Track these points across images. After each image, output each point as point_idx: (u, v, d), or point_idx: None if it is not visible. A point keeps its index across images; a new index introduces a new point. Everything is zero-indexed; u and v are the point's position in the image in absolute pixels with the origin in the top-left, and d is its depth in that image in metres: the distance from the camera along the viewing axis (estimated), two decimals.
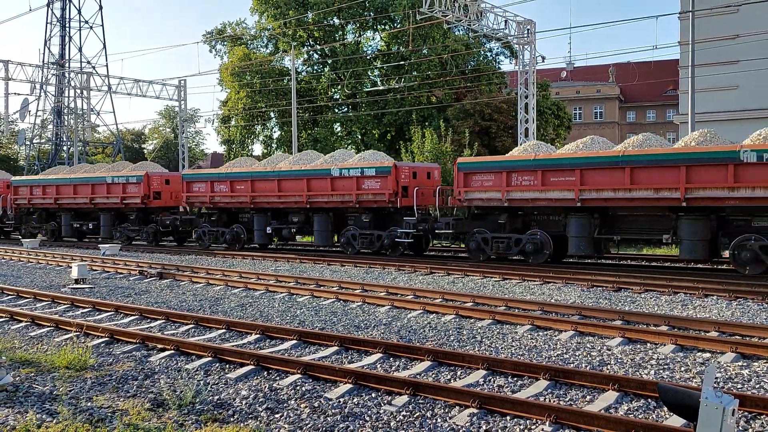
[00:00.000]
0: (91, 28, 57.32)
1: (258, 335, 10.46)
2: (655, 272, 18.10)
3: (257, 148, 54.54)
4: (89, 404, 7.21)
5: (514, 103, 38.18)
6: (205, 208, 28.98)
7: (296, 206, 25.46)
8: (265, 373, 8.39)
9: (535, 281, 16.68)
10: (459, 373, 8.26)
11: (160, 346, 9.77)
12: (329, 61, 49.18)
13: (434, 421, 6.58)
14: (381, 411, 6.89)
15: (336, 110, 50.14)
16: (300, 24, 47.52)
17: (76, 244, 32.69)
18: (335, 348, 9.51)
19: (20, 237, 35.71)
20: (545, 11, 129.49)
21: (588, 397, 7.26)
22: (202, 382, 7.96)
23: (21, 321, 12.07)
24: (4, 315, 12.47)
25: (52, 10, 56.30)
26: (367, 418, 6.68)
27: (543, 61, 34.01)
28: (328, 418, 6.70)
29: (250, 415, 6.84)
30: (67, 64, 55.16)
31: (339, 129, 50.23)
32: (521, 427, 6.34)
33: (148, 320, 12.09)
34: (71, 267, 17.86)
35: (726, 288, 14.42)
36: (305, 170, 25.09)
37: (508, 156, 21.67)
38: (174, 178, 30.95)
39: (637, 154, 18.27)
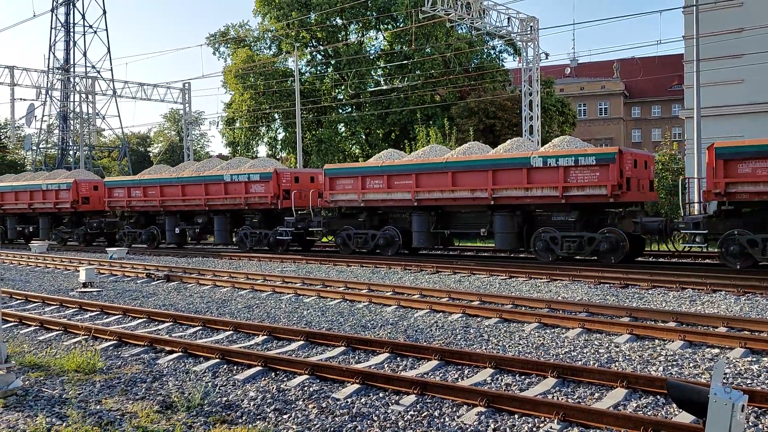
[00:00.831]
0: (95, 32, 57.48)
1: (265, 336, 10.47)
2: (663, 268, 18.05)
3: (262, 150, 54.66)
4: (98, 407, 7.23)
5: (518, 100, 38.14)
6: (126, 212, 32.51)
7: (198, 209, 28.82)
8: (273, 374, 8.40)
9: (541, 279, 16.66)
10: (466, 372, 8.26)
11: (168, 348, 9.79)
12: (332, 62, 49.20)
13: (442, 420, 6.57)
14: (389, 411, 6.89)
15: (340, 111, 50.16)
16: (303, 25, 47.55)
17: (83, 248, 32.87)
18: (342, 348, 9.51)
19: None
20: (548, 8, 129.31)
21: (596, 394, 7.25)
22: (210, 384, 7.97)
23: (30, 325, 12.11)
24: (13, 319, 12.52)
25: (56, 15, 56.50)
26: (375, 418, 6.68)
27: (546, 58, 34.08)
28: (336, 419, 6.70)
29: (259, 416, 6.85)
30: (72, 69, 55.32)
31: (343, 129, 50.27)
32: (529, 425, 6.33)
33: (156, 323, 12.12)
34: (79, 271, 17.92)
35: (734, 283, 14.37)
36: (203, 176, 28.48)
37: (362, 163, 25.95)
38: (101, 185, 33.73)
39: (456, 161, 21.70)
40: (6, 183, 37.83)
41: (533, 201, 20.18)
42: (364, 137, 49.40)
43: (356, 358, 9.14)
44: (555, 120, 44.34)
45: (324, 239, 28.64)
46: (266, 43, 52.91)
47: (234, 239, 28.18)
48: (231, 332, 10.97)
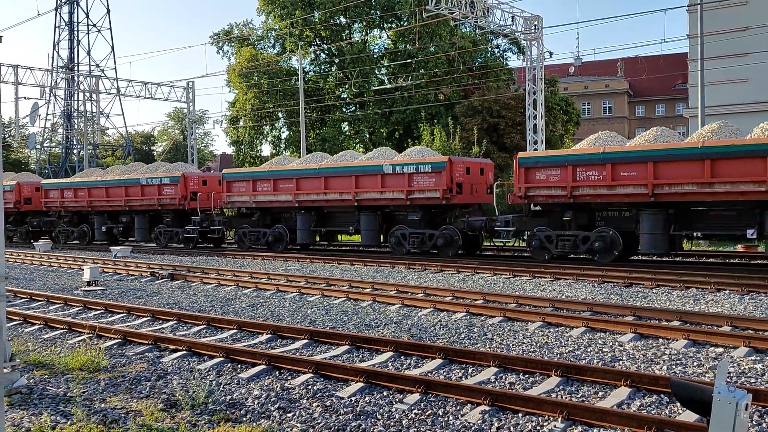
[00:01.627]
0: (99, 31, 57.59)
1: (269, 335, 10.49)
2: (667, 267, 18.03)
3: (266, 149, 54.68)
4: (103, 405, 7.25)
5: (522, 99, 38.09)
6: (61, 212, 35.33)
7: (120, 209, 32.29)
8: (277, 372, 8.41)
9: (545, 278, 16.65)
10: (470, 370, 8.26)
11: (172, 347, 9.81)
12: (336, 61, 49.21)
13: (446, 419, 6.58)
14: (393, 409, 6.90)
15: (344, 109, 50.16)
16: (307, 24, 47.55)
17: (87, 246, 32.96)
18: (346, 347, 9.52)
19: None
20: (552, 6, 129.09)
21: (600, 393, 7.25)
22: (214, 383, 7.99)
23: (34, 324, 12.15)
24: (17, 318, 12.55)
25: (60, 14, 56.60)
26: (379, 417, 6.69)
27: (551, 57, 33.95)
28: (340, 417, 6.71)
29: (263, 415, 6.86)
30: (76, 68, 55.41)
31: (347, 128, 50.27)
32: (533, 423, 6.33)
33: (160, 321, 12.14)
34: (83, 269, 17.96)
35: (738, 282, 14.36)
36: (123, 180, 32.05)
37: (254, 168, 30.04)
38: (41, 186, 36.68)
39: (328, 167, 25.00)
40: None
41: (387, 202, 23.50)
42: (367, 136, 49.39)
43: (360, 356, 9.15)
44: (559, 119, 44.28)
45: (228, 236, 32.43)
46: (270, 42, 52.94)
47: (152, 236, 31.46)
48: (235, 331, 10.98)
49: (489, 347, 9.54)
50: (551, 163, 19.96)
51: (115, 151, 65.09)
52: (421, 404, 6.99)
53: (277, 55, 50.83)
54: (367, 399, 7.25)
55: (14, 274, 20.74)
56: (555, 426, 6.22)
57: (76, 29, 56.72)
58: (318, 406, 7.08)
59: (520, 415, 6.57)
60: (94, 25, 57.36)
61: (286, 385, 7.86)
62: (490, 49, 49.77)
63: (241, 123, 52.04)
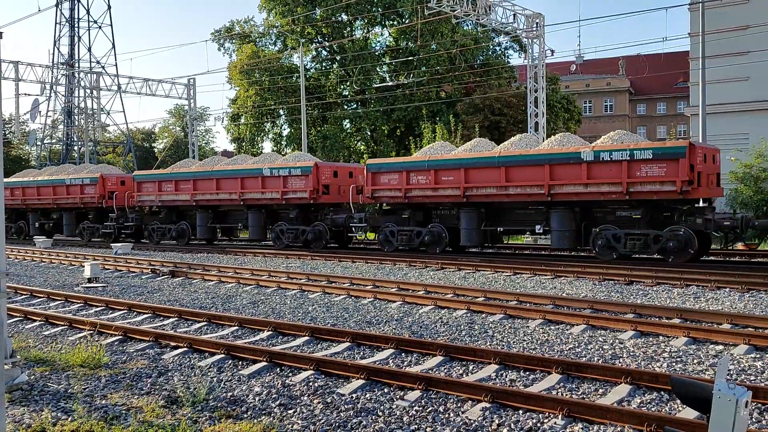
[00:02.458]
0: (99, 27, 57.48)
1: (270, 332, 10.50)
2: (667, 265, 18.03)
3: (267, 146, 54.64)
4: (104, 402, 7.26)
5: (523, 97, 38.08)
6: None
7: (50, 207, 35.26)
8: (278, 369, 8.42)
9: (546, 275, 16.66)
10: (471, 367, 8.27)
11: (173, 343, 9.82)
12: (338, 58, 49.18)
13: (447, 415, 6.59)
14: (393, 406, 6.90)
15: (345, 107, 50.14)
16: (308, 21, 47.52)
17: (88, 243, 32.98)
18: (347, 344, 9.53)
19: None
20: (554, 4, 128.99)
21: (600, 390, 7.25)
22: (215, 379, 8.00)
23: (35, 320, 12.15)
24: (18, 314, 12.56)
25: (60, 10, 56.51)
26: (380, 414, 6.70)
27: (552, 55, 33.95)
28: (341, 414, 6.72)
29: (264, 412, 6.87)
30: (76, 64, 55.37)
31: (348, 126, 50.25)
32: (534, 421, 6.34)
33: (161, 318, 12.16)
34: (84, 266, 17.97)
35: (739, 280, 14.36)
36: (51, 180, 34.96)
37: (158, 171, 33.26)
38: None
39: (221, 170, 28.08)
40: None
41: (267, 202, 26.72)
42: (369, 133, 49.39)
43: (361, 353, 9.16)
44: (560, 117, 44.26)
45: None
46: (271, 39, 52.93)
47: (76, 231, 34.75)
48: (236, 328, 10.99)
49: (490, 344, 9.55)
50: (391, 168, 23.28)
51: (115, 148, 65.07)
52: (422, 401, 7.00)
53: (279, 53, 50.80)
54: (367, 396, 7.26)
55: (14, 271, 20.75)
56: (555, 423, 6.23)
57: (76, 25, 56.63)
58: (319, 402, 7.09)
59: (520, 412, 6.58)
60: (95, 22, 57.27)
61: (287, 382, 7.87)
62: (491, 46, 49.74)
63: (243, 120, 52.03)
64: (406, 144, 41.58)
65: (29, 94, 54.37)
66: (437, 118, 42.45)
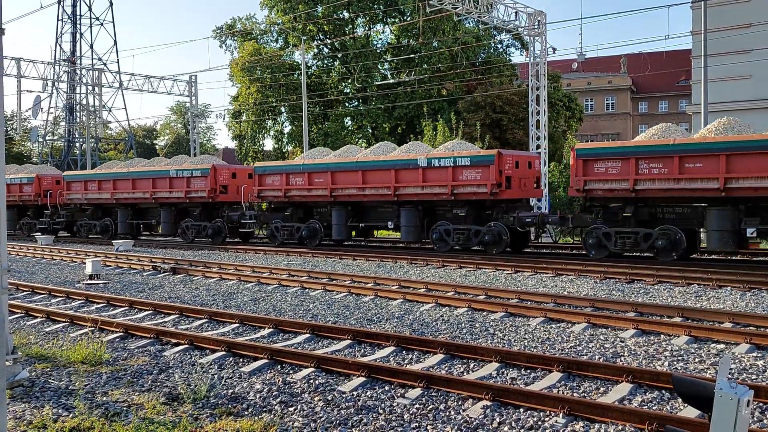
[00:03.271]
0: (101, 24, 57.39)
1: (271, 329, 10.50)
2: (669, 264, 18.02)
3: (268, 143, 54.68)
4: (105, 399, 7.26)
5: (525, 95, 38.03)
6: None
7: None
8: (279, 366, 8.42)
9: (547, 273, 16.65)
10: (472, 365, 8.27)
11: (174, 340, 9.82)
12: (339, 55, 49.14)
13: (447, 413, 6.58)
14: (394, 404, 6.90)
15: (346, 104, 50.11)
16: (310, 18, 47.48)
17: (90, 240, 33.00)
18: (348, 341, 9.53)
19: None
20: (555, 2, 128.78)
21: (602, 388, 7.25)
22: (216, 376, 8.00)
23: (36, 317, 12.17)
24: (19, 311, 12.57)
25: (62, 7, 56.40)
26: (381, 411, 6.70)
27: (554, 53, 33.86)
28: (342, 411, 6.72)
29: (264, 409, 6.87)
30: (78, 61, 55.34)
31: (350, 123, 50.22)
32: (535, 419, 6.34)
33: (162, 315, 12.16)
34: (85, 263, 17.98)
35: (740, 279, 14.34)
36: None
37: (85, 171, 36.50)
38: None
39: (136, 171, 31.00)
40: None
41: (175, 200, 29.73)
42: (370, 131, 49.36)
43: (362, 351, 9.16)
44: (562, 115, 44.22)
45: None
46: (273, 36, 52.87)
47: (17, 227, 37.55)
48: (237, 325, 10.99)
49: (491, 343, 9.54)
50: (275, 171, 26.48)
51: (117, 145, 65.08)
52: (423, 399, 6.99)
53: (280, 50, 50.77)
54: (368, 393, 7.26)
55: (16, 267, 20.76)
56: (556, 421, 6.22)
57: (78, 22, 56.56)
58: (320, 400, 7.09)
59: (521, 410, 6.57)
60: (97, 18, 57.17)
61: (287, 379, 7.87)
62: (493, 44, 49.70)
63: (244, 117, 52.02)
64: (407, 142, 41.54)
65: (31, 91, 54.37)
66: (439, 116, 42.42)
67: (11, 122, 57.92)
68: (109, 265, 20.50)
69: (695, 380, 5.28)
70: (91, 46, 56.73)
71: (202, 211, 29.28)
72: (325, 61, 51.00)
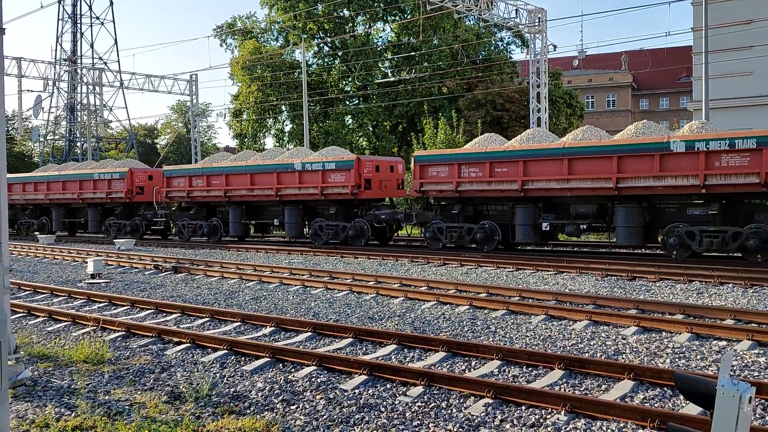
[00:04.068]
0: (102, 24, 57.46)
1: (273, 328, 10.51)
2: (670, 261, 18.01)
3: (269, 142, 54.66)
4: (107, 398, 7.27)
5: (525, 92, 38.02)
6: None
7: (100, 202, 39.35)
8: (281, 365, 8.42)
9: (549, 271, 16.64)
10: (473, 363, 8.27)
11: (176, 339, 9.83)
12: (340, 53, 49.13)
13: (449, 411, 6.59)
14: (396, 402, 6.91)
15: (347, 102, 50.08)
16: (310, 16, 47.46)
17: (92, 239, 33.04)
18: (350, 340, 9.53)
19: None
20: None
21: (603, 386, 7.25)
22: (218, 375, 8.01)
23: (38, 316, 12.18)
24: (21, 310, 12.59)
25: (63, 6, 56.45)
26: (382, 409, 6.70)
27: (554, 50, 33.90)
28: (344, 409, 6.72)
29: (266, 407, 6.88)
30: (79, 61, 55.36)
31: (350, 121, 50.21)
32: (536, 416, 6.34)
33: (164, 314, 12.17)
34: (87, 262, 17.99)
35: (742, 276, 14.33)
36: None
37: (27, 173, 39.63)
38: None
39: (65, 173, 34.26)
40: None
41: (100, 201, 32.59)
42: (371, 129, 49.34)
43: (363, 349, 9.16)
44: (563, 112, 44.19)
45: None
46: (273, 35, 52.86)
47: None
48: (239, 323, 11.00)
49: (492, 340, 9.54)
50: (179, 174, 29.06)
51: (118, 144, 65.10)
52: (425, 397, 7.00)
53: (281, 48, 50.76)
54: (370, 391, 7.26)
55: (18, 267, 20.78)
56: (558, 419, 6.23)
57: (79, 21, 56.60)
58: (321, 398, 7.09)
59: (523, 407, 6.58)
60: (97, 18, 57.23)
61: (289, 377, 7.88)
62: (493, 42, 49.67)
63: (245, 116, 52.01)
64: (408, 140, 41.55)
65: (32, 91, 54.45)
66: (439, 114, 42.40)
67: (12, 122, 57.93)
68: (111, 265, 20.51)
69: (697, 377, 5.28)
70: (92, 46, 56.80)
71: (123, 210, 32.17)
72: (326, 60, 50.98)
